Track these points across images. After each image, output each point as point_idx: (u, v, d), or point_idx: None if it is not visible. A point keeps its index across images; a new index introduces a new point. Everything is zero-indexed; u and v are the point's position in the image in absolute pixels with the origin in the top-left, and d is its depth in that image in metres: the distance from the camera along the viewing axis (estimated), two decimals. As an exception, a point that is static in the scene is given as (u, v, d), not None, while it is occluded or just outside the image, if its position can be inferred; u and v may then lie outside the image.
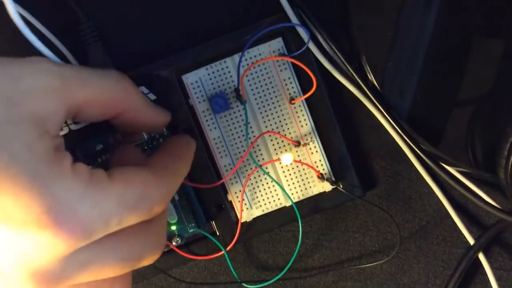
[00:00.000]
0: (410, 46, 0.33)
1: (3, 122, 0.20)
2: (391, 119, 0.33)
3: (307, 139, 0.33)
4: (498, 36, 0.33)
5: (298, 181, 0.34)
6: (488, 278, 0.36)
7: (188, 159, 0.29)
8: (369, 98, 0.33)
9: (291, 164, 0.33)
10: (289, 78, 0.33)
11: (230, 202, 0.34)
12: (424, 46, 0.33)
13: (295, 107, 0.33)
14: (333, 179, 0.34)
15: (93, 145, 0.30)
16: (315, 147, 0.33)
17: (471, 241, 0.35)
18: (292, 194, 0.34)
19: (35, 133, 0.21)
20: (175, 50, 0.33)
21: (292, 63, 0.32)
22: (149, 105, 0.28)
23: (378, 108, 0.33)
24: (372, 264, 0.36)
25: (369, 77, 0.33)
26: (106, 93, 0.25)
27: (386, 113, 0.33)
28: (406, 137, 0.33)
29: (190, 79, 0.33)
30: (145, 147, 0.32)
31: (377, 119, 0.34)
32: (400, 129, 0.33)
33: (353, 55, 0.33)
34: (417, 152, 0.33)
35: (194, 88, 0.33)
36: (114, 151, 0.30)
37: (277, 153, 0.33)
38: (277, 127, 0.33)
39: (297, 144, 0.33)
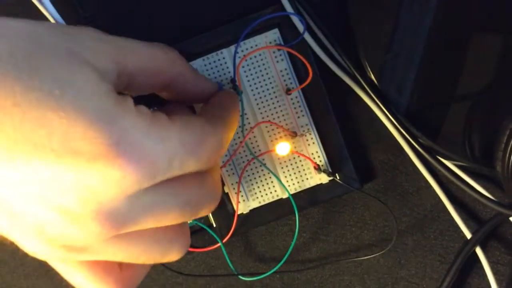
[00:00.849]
0: (408, 41, 0.33)
1: (65, 62, 0.20)
2: (389, 113, 0.33)
3: (303, 130, 0.33)
4: (496, 31, 0.33)
5: (295, 173, 0.34)
6: (485, 272, 0.35)
7: (236, 111, 0.29)
8: (367, 91, 0.33)
9: (287, 155, 0.33)
10: (285, 69, 0.33)
11: (227, 194, 0.34)
12: (422, 41, 0.33)
13: (291, 98, 0.33)
14: (330, 170, 0.33)
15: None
16: (312, 138, 0.33)
17: (468, 235, 0.35)
18: (289, 186, 0.34)
19: (97, 75, 0.21)
20: (171, 42, 0.32)
21: (288, 54, 0.32)
22: (197, 74, 0.28)
23: (376, 101, 0.33)
24: (369, 257, 0.36)
25: (367, 71, 0.33)
26: (155, 62, 0.25)
27: (384, 106, 0.33)
28: (404, 130, 0.33)
29: (186, 70, 0.32)
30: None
31: (374, 113, 0.34)
32: (397, 122, 0.33)
33: (351, 48, 0.33)
34: (415, 146, 0.33)
35: (190, 79, 0.33)
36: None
37: (273, 144, 0.33)
38: (274, 118, 0.33)
39: (294, 134, 0.33)
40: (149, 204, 0.22)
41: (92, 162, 0.19)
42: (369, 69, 0.33)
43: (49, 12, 0.31)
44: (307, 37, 0.33)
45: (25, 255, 0.24)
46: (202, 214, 0.25)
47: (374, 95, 0.33)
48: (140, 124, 0.21)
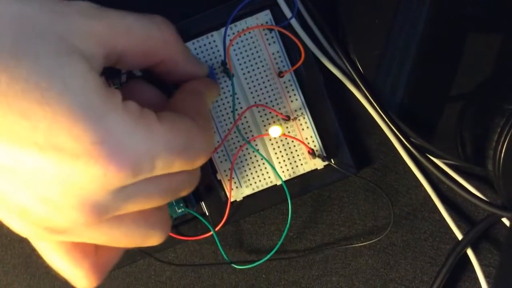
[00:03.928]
0: (402, 39, 0.32)
1: (53, 52, 0.20)
2: (380, 109, 0.32)
3: (297, 114, 0.32)
4: (489, 31, 0.32)
5: (288, 158, 0.33)
6: (476, 275, 0.35)
7: (211, 98, 0.29)
8: (357, 84, 0.32)
9: (281, 140, 0.33)
10: (277, 51, 0.32)
11: (220, 181, 0.33)
12: (416, 40, 0.32)
13: (284, 82, 0.32)
14: (325, 155, 0.33)
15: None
16: (306, 122, 0.33)
17: (460, 236, 0.35)
18: (283, 172, 0.33)
19: (86, 66, 0.20)
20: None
21: (280, 37, 0.32)
22: (189, 57, 0.28)
23: (366, 95, 0.32)
24: (362, 244, 0.35)
25: (357, 66, 0.33)
26: (147, 42, 0.24)
27: (375, 102, 0.32)
28: (395, 128, 0.32)
29: (176, 54, 0.32)
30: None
31: (364, 107, 0.33)
32: (388, 119, 0.32)
33: (342, 43, 0.33)
34: (405, 144, 0.32)
35: (180, 64, 0.32)
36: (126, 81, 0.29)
37: (266, 129, 0.32)
38: (266, 102, 0.32)
39: (287, 118, 0.32)
40: (131, 195, 0.22)
41: (75, 159, 0.19)
42: (358, 63, 0.33)
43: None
44: (296, 25, 0.32)
45: (4, 252, 0.24)
46: (182, 195, 0.26)
47: (364, 88, 0.32)
48: (126, 123, 0.21)
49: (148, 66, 0.26)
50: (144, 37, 0.24)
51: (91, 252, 0.25)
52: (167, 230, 0.26)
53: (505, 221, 0.35)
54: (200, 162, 0.25)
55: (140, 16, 0.24)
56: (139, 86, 0.27)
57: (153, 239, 0.25)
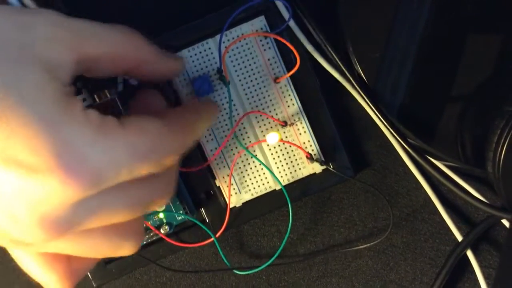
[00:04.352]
0: (402, 40, 0.32)
1: (12, 62, 0.19)
2: (378, 112, 0.32)
3: (294, 119, 0.32)
4: (489, 32, 0.32)
5: (287, 163, 0.33)
6: (476, 276, 0.35)
7: (206, 121, 0.29)
8: (355, 87, 0.32)
9: (279, 145, 0.33)
10: (273, 57, 0.32)
11: (219, 187, 0.33)
12: (416, 41, 0.32)
13: (281, 87, 0.32)
14: (323, 159, 0.33)
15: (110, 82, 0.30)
16: (303, 127, 0.32)
17: (459, 238, 0.35)
18: (282, 177, 0.33)
19: (46, 76, 0.20)
20: (156, 33, 0.32)
21: (276, 42, 0.32)
22: (161, 57, 0.27)
23: (365, 99, 0.32)
24: (365, 246, 0.35)
25: (355, 68, 0.32)
26: (117, 47, 0.24)
27: (373, 105, 0.32)
28: (392, 127, 0.32)
29: (172, 62, 0.32)
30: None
31: (365, 110, 0.33)
32: (387, 122, 0.32)
33: (340, 45, 0.33)
34: (405, 146, 0.32)
35: (176, 71, 0.32)
36: (135, 94, 0.29)
37: (264, 135, 0.32)
38: (263, 108, 0.32)
39: (284, 124, 0.32)
40: (95, 208, 0.22)
41: (32, 173, 0.19)
42: (357, 65, 0.32)
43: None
44: (294, 27, 0.32)
45: (4, 253, 0.24)
46: (154, 209, 0.26)
47: (363, 91, 0.32)
48: (85, 133, 0.20)
49: (123, 71, 0.26)
50: (113, 42, 0.24)
51: (64, 258, 0.24)
52: (140, 240, 0.26)
53: (505, 222, 0.35)
54: (168, 163, 0.24)
55: (105, 25, 0.24)
56: (150, 94, 0.27)
57: (124, 250, 0.25)
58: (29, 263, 0.24)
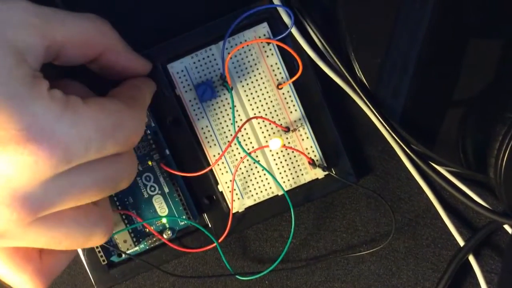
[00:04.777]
0: (404, 45, 0.32)
1: None
2: (381, 117, 0.32)
3: (297, 125, 0.32)
4: (491, 37, 0.32)
5: (289, 169, 0.33)
6: (478, 281, 0.35)
7: (148, 91, 0.29)
8: (357, 92, 0.32)
9: (281, 151, 0.33)
10: (276, 63, 0.32)
11: (221, 192, 0.33)
12: (417, 46, 0.32)
13: (283, 93, 0.32)
14: (325, 165, 0.33)
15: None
16: (305, 133, 0.33)
17: (461, 243, 0.35)
18: (284, 182, 0.33)
19: (13, 59, 0.21)
20: (159, 40, 0.32)
21: (278, 48, 0.32)
22: (128, 49, 0.28)
23: (367, 104, 0.32)
24: (367, 252, 0.35)
25: (358, 73, 0.33)
26: (84, 33, 0.25)
27: (376, 111, 0.32)
28: (395, 133, 0.32)
29: (175, 68, 0.32)
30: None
31: (368, 116, 0.33)
32: (390, 127, 0.32)
33: (342, 50, 0.33)
34: (407, 151, 0.32)
35: (180, 78, 0.32)
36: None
37: (266, 140, 0.33)
38: (266, 114, 0.32)
39: (287, 129, 0.32)
40: (66, 186, 0.22)
41: (3, 147, 0.19)
42: (359, 71, 0.32)
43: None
44: (296, 34, 0.32)
45: None
46: (122, 187, 0.26)
47: (365, 97, 0.32)
48: (52, 109, 0.21)
49: (90, 58, 0.26)
50: (80, 28, 0.25)
51: (34, 257, 0.24)
52: (110, 227, 0.26)
53: (507, 227, 0.35)
54: (132, 141, 0.25)
55: (74, 13, 0.25)
56: (68, 81, 0.27)
57: (96, 238, 0.25)
58: None
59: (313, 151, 0.33)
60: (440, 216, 0.35)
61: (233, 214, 0.33)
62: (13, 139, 0.19)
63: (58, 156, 0.20)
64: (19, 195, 0.20)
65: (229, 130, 0.32)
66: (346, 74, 0.32)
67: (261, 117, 0.32)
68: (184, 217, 0.33)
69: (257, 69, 0.32)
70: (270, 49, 0.32)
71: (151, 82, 0.30)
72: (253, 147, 0.33)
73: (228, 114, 0.32)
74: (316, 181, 0.33)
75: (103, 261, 0.33)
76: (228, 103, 0.32)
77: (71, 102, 0.22)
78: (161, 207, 0.33)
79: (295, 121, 0.33)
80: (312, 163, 0.33)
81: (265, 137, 0.33)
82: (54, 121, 0.21)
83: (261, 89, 0.32)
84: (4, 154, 0.20)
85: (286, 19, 0.32)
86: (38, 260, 0.25)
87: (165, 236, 0.33)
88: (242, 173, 0.33)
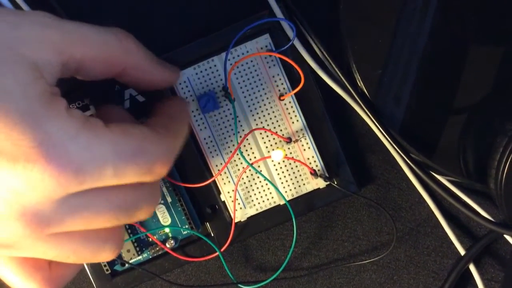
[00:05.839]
0: (405, 56, 0.32)
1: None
2: (381, 127, 0.32)
3: (298, 136, 0.33)
4: (492, 48, 0.33)
5: (291, 179, 0.33)
6: None
7: (185, 118, 0.29)
8: (359, 103, 0.33)
9: (283, 161, 0.33)
10: (278, 74, 0.32)
11: (224, 202, 0.34)
12: (418, 57, 0.32)
13: (285, 104, 0.33)
14: (327, 175, 0.33)
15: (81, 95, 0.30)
16: (307, 143, 0.33)
17: (462, 252, 0.35)
18: (286, 192, 0.33)
19: (30, 75, 0.21)
20: (161, 51, 0.32)
21: (280, 60, 0.32)
22: (153, 64, 0.27)
23: (368, 115, 0.32)
24: (369, 261, 0.35)
25: (359, 84, 0.33)
26: (106, 50, 0.24)
27: (377, 120, 0.32)
28: (397, 146, 0.32)
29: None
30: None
31: (368, 125, 0.34)
32: (390, 137, 0.32)
33: (343, 60, 0.33)
34: (407, 161, 0.32)
35: (182, 88, 0.32)
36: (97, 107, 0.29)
37: (268, 151, 0.33)
38: (268, 125, 0.33)
39: (289, 140, 0.33)
40: (78, 208, 0.21)
41: (14, 162, 0.19)
42: (360, 81, 0.33)
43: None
44: (298, 45, 0.32)
45: None
46: (138, 219, 0.25)
47: (366, 107, 0.32)
48: (67, 128, 0.21)
49: (113, 74, 0.26)
50: (102, 45, 0.24)
51: (44, 266, 0.24)
52: (120, 244, 0.25)
53: (508, 237, 0.35)
54: (159, 171, 0.24)
55: (96, 26, 0.24)
56: (112, 108, 0.27)
57: (105, 254, 0.24)
58: (6, 271, 0.24)
59: (314, 161, 0.33)
60: (441, 225, 0.35)
61: (235, 223, 0.33)
62: (24, 155, 0.19)
63: (68, 175, 0.20)
64: (28, 211, 0.20)
65: (232, 141, 0.33)
66: (347, 85, 0.32)
67: (263, 128, 0.32)
68: (186, 226, 0.33)
69: (259, 80, 0.32)
70: (272, 60, 0.32)
71: (187, 114, 0.30)
72: (255, 158, 0.33)
73: (230, 125, 0.32)
74: (317, 191, 0.34)
75: (107, 270, 0.34)
76: (231, 114, 0.32)
77: (90, 123, 0.22)
78: (164, 217, 0.33)
79: (296, 131, 0.33)
80: (314, 173, 0.33)
81: (267, 147, 0.33)
82: (68, 140, 0.20)
83: (263, 100, 0.32)
84: (15, 170, 0.20)
85: (288, 31, 0.32)
86: (47, 269, 0.24)
87: (168, 246, 0.34)
88: (244, 183, 0.33)
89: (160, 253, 0.34)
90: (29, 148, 0.19)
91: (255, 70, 0.32)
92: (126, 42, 0.25)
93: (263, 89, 0.32)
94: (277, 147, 0.33)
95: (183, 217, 0.33)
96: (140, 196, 0.24)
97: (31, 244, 0.21)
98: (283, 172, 0.33)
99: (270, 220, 0.34)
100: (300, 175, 0.33)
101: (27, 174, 0.20)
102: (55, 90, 0.22)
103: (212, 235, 0.34)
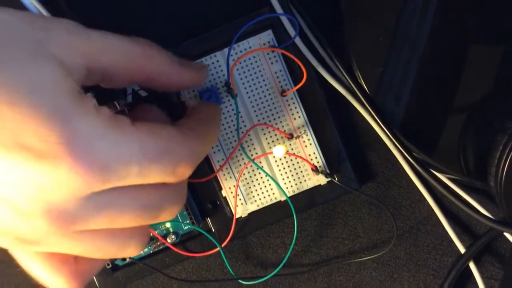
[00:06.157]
0: (405, 54, 0.33)
1: (28, 56, 0.20)
2: (383, 124, 0.32)
3: (300, 132, 0.33)
4: (492, 45, 0.33)
5: (292, 175, 0.33)
6: None
7: (215, 124, 0.29)
8: (361, 101, 0.33)
9: (284, 157, 0.33)
10: (280, 70, 0.32)
11: (225, 198, 0.34)
12: (418, 55, 0.33)
13: (287, 100, 0.33)
14: (328, 171, 0.33)
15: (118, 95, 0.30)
16: (308, 139, 0.33)
17: (462, 250, 0.35)
18: (287, 188, 0.33)
19: (60, 72, 0.21)
20: (164, 46, 0.32)
21: (283, 56, 0.32)
22: (178, 67, 0.27)
23: (369, 111, 0.33)
24: (369, 258, 0.36)
25: (359, 82, 0.33)
26: (130, 58, 0.24)
27: (378, 118, 0.32)
28: (398, 143, 0.32)
29: (181, 74, 0.32)
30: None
31: (369, 123, 0.34)
32: (392, 135, 0.32)
33: (344, 57, 0.33)
34: (408, 159, 0.32)
35: (185, 84, 0.32)
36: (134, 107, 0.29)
37: (270, 147, 0.33)
38: (270, 121, 0.33)
39: (290, 136, 0.33)
40: (103, 206, 0.21)
41: (41, 159, 0.19)
42: (361, 79, 0.33)
43: (24, 3, 0.31)
44: (299, 43, 0.33)
45: None
46: (164, 219, 0.25)
47: (368, 105, 0.32)
48: (96, 126, 0.21)
49: (137, 82, 0.26)
50: (126, 54, 0.24)
51: (70, 260, 0.24)
52: (145, 240, 0.25)
53: (507, 235, 0.35)
54: (182, 172, 0.24)
55: (121, 36, 0.24)
56: (148, 109, 0.27)
57: (130, 250, 0.25)
58: (34, 265, 0.24)
59: (316, 158, 0.33)
60: (441, 223, 0.35)
61: (236, 219, 0.33)
62: (51, 152, 0.19)
63: (94, 173, 0.20)
64: (53, 208, 0.20)
65: (233, 136, 0.33)
66: (349, 82, 0.32)
67: (265, 124, 0.32)
68: (187, 221, 0.33)
69: (262, 75, 0.32)
70: (275, 56, 0.32)
71: (217, 120, 0.30)
72: (256, 153, 0.33)
73: (232, 121, 0.33)
74: (318, 187, 0.34)
75: (108, 264, 0.34)
76: (233, 110, 0.33)
77: (118, 121, 0.22)
78: (165, 212, 0.33)
79: (298, 128, 0.33)
80: (315, 169, 0.33)
81: (268, 143, 0.33)
82: (96, 138, 0.20)
83: (265, 96, 0.33)
84: (41, 166, 0.19)
85: (290, 27, 0.32)
86: (74, 263, 0.24)
87: (169, 241, 0.34)
88: (246, 178, 0.33)
89: (161, 248, 0.34)
90: (56, 145, 0.19)
91: (258, 66, 0.32)
92: (150, 49, 0.25)
93: (265, 85, 0.33)
94: (279, 143, 0.33)
95: (184, 212, 0.33)
96: (164, 196, 0.24)
97: (57, 240, 0.22)
98: (284, 168, 0.33)
99: (271, 216, 0.34)
100: (302, 171, 0.33)
101: (54, 171, 0.20)
102: (82, 91, 0.22)
103: (213, 230, 0.34)
